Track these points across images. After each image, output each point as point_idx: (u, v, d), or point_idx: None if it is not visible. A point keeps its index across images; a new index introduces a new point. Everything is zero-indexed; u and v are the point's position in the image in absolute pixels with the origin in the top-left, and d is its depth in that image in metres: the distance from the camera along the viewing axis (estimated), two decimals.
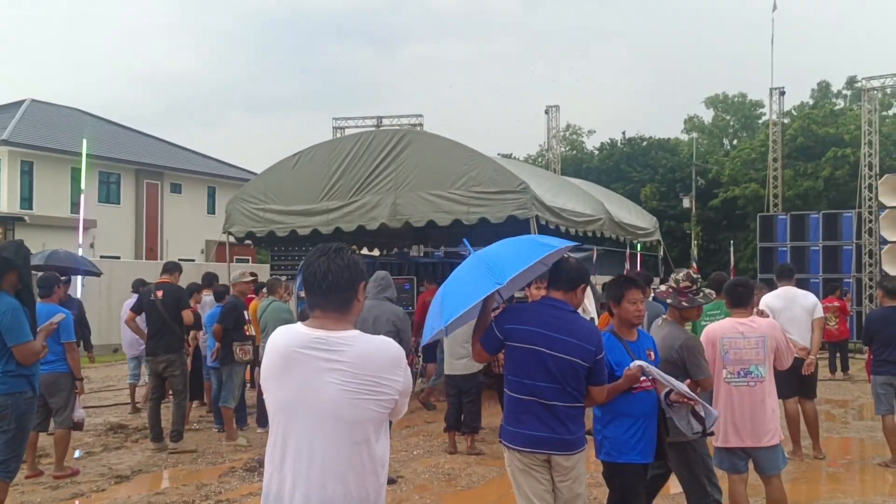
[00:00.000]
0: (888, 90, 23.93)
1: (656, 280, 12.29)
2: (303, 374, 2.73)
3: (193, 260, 31.00)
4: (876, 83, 20.80)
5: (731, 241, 36.63)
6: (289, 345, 2.80)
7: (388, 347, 2.84)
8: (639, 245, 23.42)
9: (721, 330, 5.60)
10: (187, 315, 9.12)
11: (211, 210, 37.13)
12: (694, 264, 33.51)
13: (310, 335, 2.76)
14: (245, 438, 9.34)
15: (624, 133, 62.26)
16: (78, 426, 7.82)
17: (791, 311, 8.13)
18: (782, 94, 25.47)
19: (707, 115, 66.15)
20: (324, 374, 2.71)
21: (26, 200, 30.74)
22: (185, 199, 36.49)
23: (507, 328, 4.36)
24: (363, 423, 2.73)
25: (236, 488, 7.33)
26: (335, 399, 2.69)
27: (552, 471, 4.31)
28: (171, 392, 9.18)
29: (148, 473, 8.00)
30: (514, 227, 11.76)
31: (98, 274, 13.90)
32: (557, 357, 4.22)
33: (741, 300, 5.74)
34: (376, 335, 2.90)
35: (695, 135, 62.02)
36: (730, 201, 48.52)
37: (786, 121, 36.23)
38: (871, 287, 19.33)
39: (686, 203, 48.26)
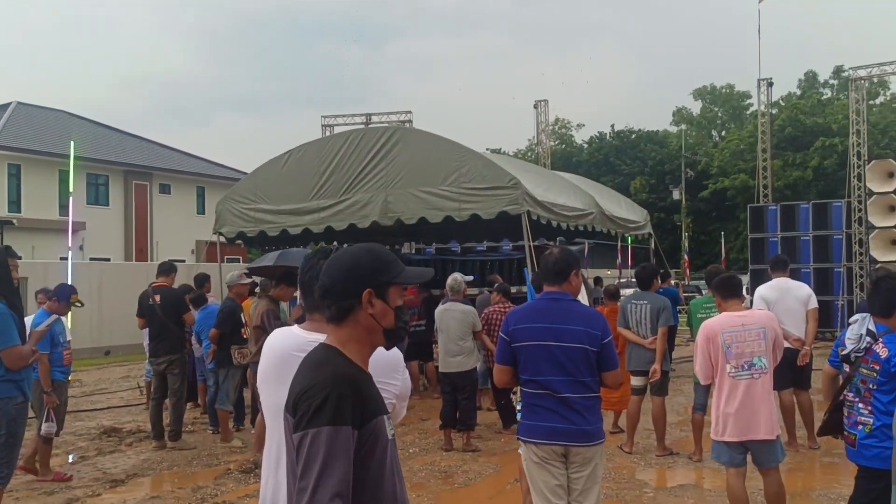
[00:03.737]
0: (875, 79, 23.94)
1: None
2: None
3: (184, 260, 30.81)
4: (863, 72, 20.84)
5: (722, 233, 36.67)
6: (285, 348, 2.79)
7: (384, 351, 2.81)
8: (630, 238, 23.47)
9: (720, 325, 5.47)
10: (189, 317, 9.51)
11: (201, 210, 36.98)
12: (685, 256, 33.59)
13: (306, 338, 2.74)
14: (240, 440, 9.30)
15: (613, 126, 62.45)
16: (45, 440, 7.64)
17: (785, 302, 8.11)
18: (770, 84, 25.49)
19: (695, 107, 66.31)
20: None
21: (14, 203, 30.56)
22: (175, 200, 36.33)
23: (512, 330, 4.40)
24: None
25: (232, 490, 7.29)
26: None
27: (568, 464, 4.32)
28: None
29: (143, 477, 7.95)
30: (506, 222, 11.78)
31: None
32: (566, 347, 4.24)
33: (734, 291, 5.71)
34: None
35: (683, 126, 62.12)
36: (719, 192, 48.77)
37: (774, 111, 36.29)
38: (861, 276, 19.39)
39: (676, 195, 48.42)
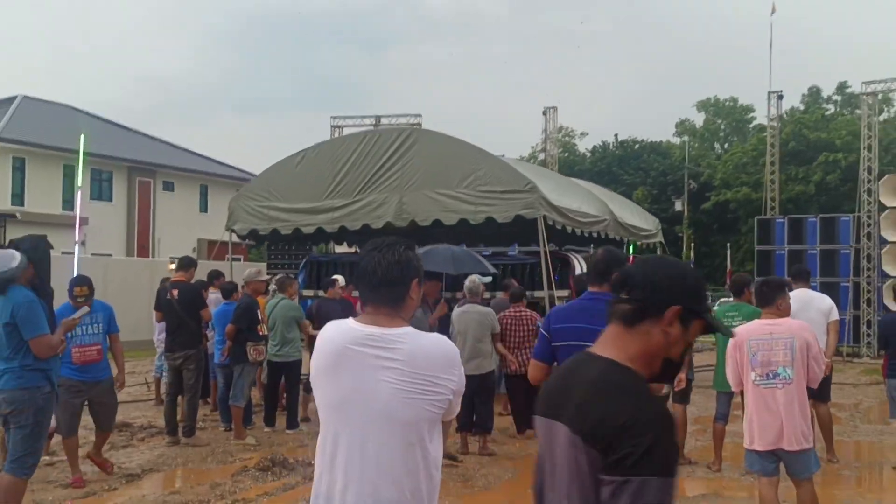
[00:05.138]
0: (879, 96, 23.89)
1: None
2: (355, 372, 2.63)
3: None
4: (875, 87, 20.84)
5: (728, 244, 36.61)
6: (341, 341, 2.69)
7: (442, 345, 2.73)
8: (633, 246, 23.40)
9: (747, 332, 5.44)
10: (206, 313, 9.39)
11: (203, 208, 36.90)
12: None
13: (363, 331, 2.66)
14: (254, 437, 9.24)
15: (616, 136, 62.32)
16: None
17: (807, 313, 8.02)
18: (780, 97, 25.48)
19: (699, 119, 66.21)
20: (378, 372, 2.61)
21: (18, 197, 30.47)
22: (178, 198, 36.21)
23: (553, 329, 4.35)
24: (418, 423, 2.62)
25: (250, 488, 7.22)
26: (389, 398, 2.58)
27: None
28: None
29: (159, 472, 7.89)
30: (521, 226, 11.74)
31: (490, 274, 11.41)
32: None
33: (765, 299, 5.64)
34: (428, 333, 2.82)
35: (686, 138, 62.03)
36: (722, 205, 48.66)
37: (776, 125, 36.29)
38: (868, 291, 19.36)
39: (678, 206, 48.36)
